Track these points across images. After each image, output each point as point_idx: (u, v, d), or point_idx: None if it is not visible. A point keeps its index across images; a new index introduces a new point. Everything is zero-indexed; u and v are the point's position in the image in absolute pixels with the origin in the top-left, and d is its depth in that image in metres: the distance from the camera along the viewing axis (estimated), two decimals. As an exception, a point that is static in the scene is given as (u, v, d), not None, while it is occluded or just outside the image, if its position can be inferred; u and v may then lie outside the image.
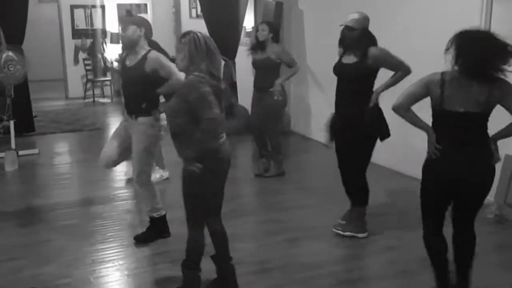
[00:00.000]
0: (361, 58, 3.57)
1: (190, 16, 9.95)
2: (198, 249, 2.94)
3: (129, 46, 3.65)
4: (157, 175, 5.03)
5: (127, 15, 3.88)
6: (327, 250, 3.73)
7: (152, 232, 3.84)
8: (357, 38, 3.57)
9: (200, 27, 7.58)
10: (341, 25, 3.68)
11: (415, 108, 2.73)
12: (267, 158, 5.41)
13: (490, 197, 4.21)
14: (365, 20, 3.65)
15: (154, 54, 3.62)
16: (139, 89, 3.59)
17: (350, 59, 3.65)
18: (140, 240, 3.79)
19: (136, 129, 3.64)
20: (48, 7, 11.33)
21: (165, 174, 5.24)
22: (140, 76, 3.57)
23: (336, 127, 3.76)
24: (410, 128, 2.86)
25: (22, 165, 5.82)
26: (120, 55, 4.93)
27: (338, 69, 3.72)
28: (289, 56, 5.31)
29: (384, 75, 3.68)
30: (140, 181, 3.71)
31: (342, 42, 3.72)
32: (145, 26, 3.69)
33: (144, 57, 3.59)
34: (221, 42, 6.48)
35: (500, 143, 4.26)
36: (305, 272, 3.36)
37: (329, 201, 4.52)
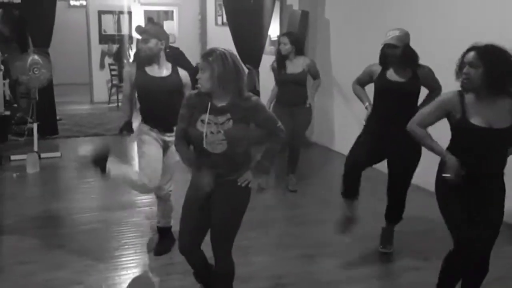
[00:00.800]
0: (413, 75, 3.51)
1: (216, 23, 9.98)
2: (234, 271, 2.83)
3: (149, 58, 3.58)
4: None
5: (149, 23, 3.82)
6: (345, 268, 3.60)
7: (170, 240, 3.82)
8: (401, 55, 3.45)
9: (226, 34, 7.59)
10: (382, 44, 3.53)
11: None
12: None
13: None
14: (406, 36, 3.52)
15: (185, 71, 3.67)
16: (173, 100, 3.40)
17: (397, 76, 3.53)
18: (162, 253, 3.73)
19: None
20: (76, 12, 11.56)
21: None
22: (179, 85, 3.55)
23: (391, 149, 3.58)
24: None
25: (43, 167, 5.86)
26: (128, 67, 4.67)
27: (388, 86, 3.55)
28: (316, 67, 5.22)
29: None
30: (170, 191, 3.76)
31: (383, 60, 3.58)
32: (165, 38, 3.64)
33: (176, 70, 3.62)
34: (245, 50, 6.59)
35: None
36: (320, 290, 3.26)
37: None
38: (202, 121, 2.54)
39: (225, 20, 9.06)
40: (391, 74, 3.55)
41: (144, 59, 3.61)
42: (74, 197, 4.99)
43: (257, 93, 6.85)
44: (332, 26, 6.77)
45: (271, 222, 4.40)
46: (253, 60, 6.65)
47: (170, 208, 3.82)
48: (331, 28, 6.78)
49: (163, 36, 3.62)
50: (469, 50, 2.56)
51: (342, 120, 6.60)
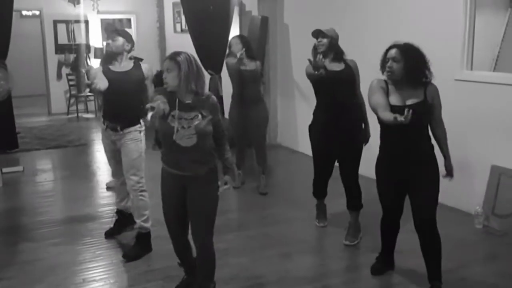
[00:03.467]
0: (346, 65, 3.85)
1: (175, 30, 9.97)
2: (215, 260, 3.01)
3: (114, 56, 3.77)
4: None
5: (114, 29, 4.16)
6: (321, 263, 3.74)
7: (142, 247, 3.84)
8: (327, 45, 3.83)
9: (184, 41, 7.62)
10: (314, 31, 3.89)
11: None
12: (243, 171, 5.52)
13: (478, 207, 4.28)
14: (333, 32, 3.91)
15: (147, 64, 3.87)
16: (131, 95, 3.73)
17: (333, 66, 3.84)
18: (131, 257, 3.75)
19: (129, 137, 3.78)
20: (30, 22, 11.25)
21: None
22: (141, 78, 3.76)
23: (340, 135, 3.87)
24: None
25: (6, 182, 5.71)
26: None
27: (327, 75, 3.77)
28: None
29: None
30: (140, 187, 3.79)
31: (314, 52, 3.91)
32: (132, 43, 3.86)
33: (138, 65, 3.82)
34: (207, 56, 6.63)
35: (487, 154, 4.35)
36: (300, 286, 3.35)
37: (320, 214, 4.51)
38: (173, 116, 2.77)
39: (183, 27, 9.08)
40: (327, 65, 3.83)
41: (108, 56, 3.81)
42: (41, 211, 4.88)
43: (220, 98, 6.92)
44: (291, 30, 6.93)
45: (245, 224, 4.48)
46: (215, 66, 6.71)
47: (144, 205, 3.82)
48: (290, 33, 6.94)
49: (130, 39, 3.84)
50: (391, 47, 3.00)
51: (305, 122, 6.71)
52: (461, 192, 4.51)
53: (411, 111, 2.71)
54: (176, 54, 2.78)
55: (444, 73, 4.53)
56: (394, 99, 3.02)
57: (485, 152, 4.36)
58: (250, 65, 5.12)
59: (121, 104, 3.71)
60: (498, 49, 5.30)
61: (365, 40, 5.33)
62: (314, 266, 3.69)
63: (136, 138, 3.80)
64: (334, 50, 3.85)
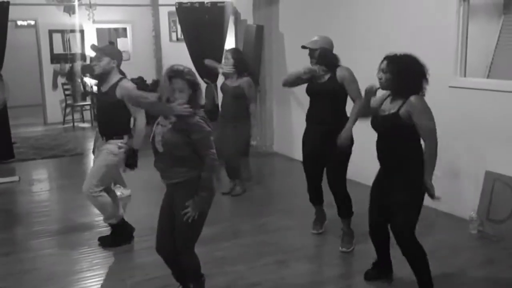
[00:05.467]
0: (331, 76, 3.88)
1: (170, 39, 10.03)
2: (199, 263, 3.04)
3: (102, 76, 3.90)
4: (118, 192, 4.96)
5: (110, 44, 4.20)
6: (317, 270, 3.74)
7: (116, 237, 4.11)
8: (318, 57, 3.88)
9: (180, 50, 7.65)
10: (302, 46, 3.97)
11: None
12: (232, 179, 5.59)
13: (473, 213, 4.30)
14: (323, 41, 3.95)
15: (125, 83, 3.89)
16: (110, 113, 3.91)
17: (321, 79, 3.91)
18: (105, 243, 4.09)
19: (105, 147, 3.95)
20: (26, 32, 11.27)
21: (126, 192, 5.47)
22: (111, 101, 3.85)
23: (321, 143, 3.92)
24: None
25: (2, 192, 5.71)
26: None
27: (313, 87, 3.95)
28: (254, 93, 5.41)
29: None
30: (91, 193, 3.92)
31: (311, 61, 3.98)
32: (118, 58, 3.95)
33: (116, 84, 3.87)
34: (203, 65, 6.65)
35: (481, 160, 4.38)
36: (296, 293, 3.36)
37: (315, 221, 4.52)
38: (158, 122, 2.89)
39: (179, 36, 9.14)
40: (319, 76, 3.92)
41: (97, 77, 3.96)
42: (36, 221, 4.88)
43: (216, 106, 6.96)
44: (286, 39, 6.98)
45: (241, 232, 4.48)
46: (211, 74, 6.75)
47: (102, 203, 3.98)
48: (285, 41, 6.99)
49: (115, 55, 3.94)
50: (384, 59, 3.11)
51: (301, 129, 6.74)
52: (456, 197, 4.53)
53: (375, 84, 2.98)
54: (186, 72, 2.79)
55: (438, 80, 4.55)
56: (378, 100, 3.20)
57: (479, 158, 4.40)
58: (234, 82, 5.13)
59: (104, 120, 3.98)
60: (491, 56, 5.36)
61: (359, 47, 5.38)
62: (310, 273, 3.70)
63: (111, 151, 3.91)
64: (324, 61, 3.86)
